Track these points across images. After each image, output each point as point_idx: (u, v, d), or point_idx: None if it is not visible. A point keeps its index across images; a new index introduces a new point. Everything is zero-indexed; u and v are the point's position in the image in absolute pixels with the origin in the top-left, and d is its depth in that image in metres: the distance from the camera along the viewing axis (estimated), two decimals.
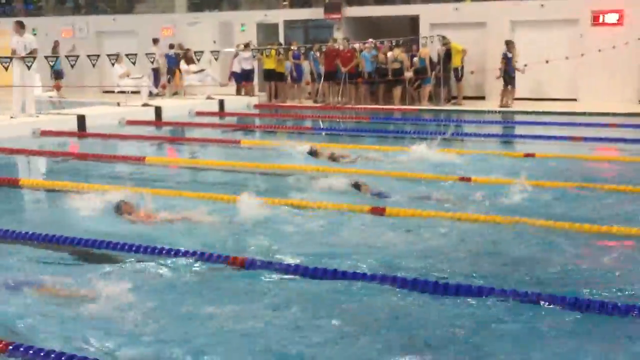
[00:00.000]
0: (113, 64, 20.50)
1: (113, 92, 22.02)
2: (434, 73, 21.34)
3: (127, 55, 19.04)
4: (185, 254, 6.96)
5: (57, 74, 24.33)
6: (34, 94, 17.33)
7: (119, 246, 7.29)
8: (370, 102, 22.22)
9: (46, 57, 17.85)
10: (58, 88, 21.78)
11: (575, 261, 6.91)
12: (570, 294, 5.84)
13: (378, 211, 8.60)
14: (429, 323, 5.45)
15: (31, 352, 4.85)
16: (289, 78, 23.54)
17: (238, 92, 23.68)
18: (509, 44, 20.15)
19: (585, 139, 14.31)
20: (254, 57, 23.34)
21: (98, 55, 19.21)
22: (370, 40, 22.42)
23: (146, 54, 19.91)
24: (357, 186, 9.65)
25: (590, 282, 6.26)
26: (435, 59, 21.45)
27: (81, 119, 17.33)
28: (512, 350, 4.97)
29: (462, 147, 14.14)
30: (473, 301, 5.81)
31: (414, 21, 23.99)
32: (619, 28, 20.74)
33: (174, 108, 20.39)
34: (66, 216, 8.58)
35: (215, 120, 19.64)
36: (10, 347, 4.92)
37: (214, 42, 25.45)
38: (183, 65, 22.70)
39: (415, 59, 21.52)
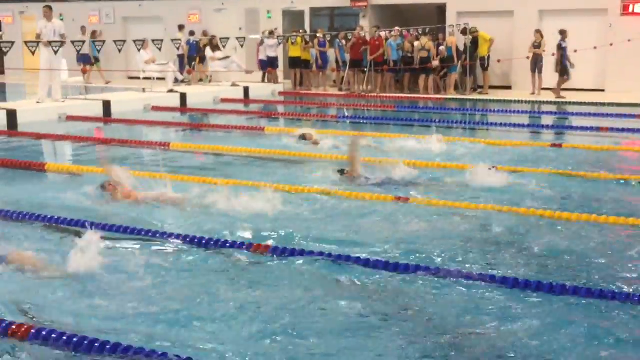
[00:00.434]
0: (139, 50, 20.58)
1: (138, 78, 22.10)
2: (460, 62, 21.19)
3: (153, 41, 19.12)
4: (209, 241, 6.99)
5: (94, 60, 24.52)
6: (60, 79, 17.42)
7: (144, 232, 7.33)
8: (395, 90, 22.12)
9: (73, 43, 17.94)
10: (84, 72, 21.88)
11: (601, 252, 6.83)
12: (595, 285, 5.79)
13: (402, 200, 8.57)
14: (452, 310, 5.41)
15: (53, 336, 4.87)
16: (314, 66, 23.50)
17: (263, 80, 23.70)
18: (564, 33, 19.75)
19: (612, 130, 14.16)
20: (279, 44, 23.31)
21: (124, 41, 19.30)
22: (397, 28, 22.29)
23: (172, 40, 19.98)
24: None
25: (614, 274, 6.19)
26: (461, 48, 21.29)
27: (107, 105, 17.42)
28: (537, 340, 4.91)
29: (488, 137, 14.04)
30: (496, 290, 5.77)
31: (440, 9, 23.82)
32: None
33: (199, 95, 20.43)
34: (91, 200, 8.63)
35: (240, 107, 19.64)
36: (32, 331, 4.94)
37: (240, 29, 25.44)
38: (208, 52, 22.70)
39: (442, 48, 21.36)
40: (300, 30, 24.12)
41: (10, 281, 6.02)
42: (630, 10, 20.70)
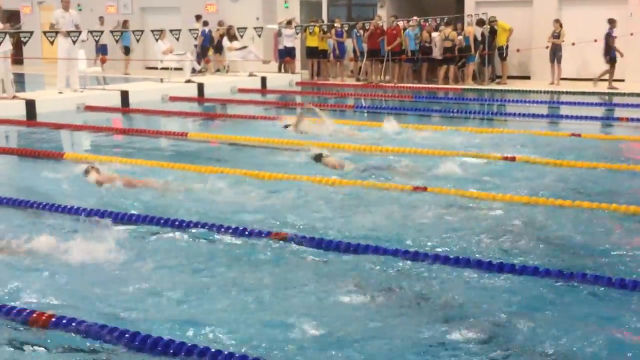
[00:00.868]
0: (157, 40, 20.61)
1: (156, 68, 22.13)
2: (477, 52, 21.06)
3: (170, 31, 19.13)
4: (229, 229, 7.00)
5: (126, 50, 24.62)
6: (77, 69, 17.47)
7: (161, 221, 7.35)
8: (412, 80, 22.03)
9: (91, 32, 17.99)
10: (103, 61, 21.96)
11: (620, 242, 6.78)
12: (614, 274, 5.75)
13: (419, 190, 8.53)
14: (471, 300, 5.39)
15: (73, 324, 4.89)
16: (331, 56, 23.45)
17: (280, 70, 23.68)
18: (612, 22, 19.43)
19: (631, 120, 14.04)
20: (296, 34, 23.27)
21: (142, 31, 19.32)
22: (415, 18, 22.18)
23: (190, 30, 19.98)
24: (318, 158, 9.82)
25: (633, 263, 6.14)
26: (479, 38, 21.15)
27: (125, 95, 17.47)
28: (557, 331, 4.88)
29: (507, 126, 13.96)
30: (516, 280, 5.75)
31: None
32: None
33: (216, 85, 20.45)
34: (107, 189, 8.66)
35: (257, 97, 19.64)
36: (53, 320, 4.96)
37: (257, 18, 25.40)
38: (226, 42, 22.71)
39: (460, 37, 21.23)
40: (318, 20, 24.06)
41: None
42: None
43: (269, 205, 8.00)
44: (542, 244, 6.72)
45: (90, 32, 18.01)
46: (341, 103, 18.61)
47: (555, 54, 20.27)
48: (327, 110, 16.81)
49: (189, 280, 5.83)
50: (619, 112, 14.89)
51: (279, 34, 23.39)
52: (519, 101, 17.55)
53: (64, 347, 4.73)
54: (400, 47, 21.94)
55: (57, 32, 16.29)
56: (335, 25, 23.21)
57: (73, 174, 9.26)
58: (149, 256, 6.33)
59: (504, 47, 21.16)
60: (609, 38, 19.33)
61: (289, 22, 23.35)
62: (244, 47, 22.31)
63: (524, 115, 15.43)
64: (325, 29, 23.22)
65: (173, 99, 18.22)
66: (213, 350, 4.50)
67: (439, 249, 6.48)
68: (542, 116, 15.61)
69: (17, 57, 21.46)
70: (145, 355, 4.57)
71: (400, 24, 22.30)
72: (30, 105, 15.52)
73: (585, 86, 19.51)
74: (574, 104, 16.94)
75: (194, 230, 7.04)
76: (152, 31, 20.27)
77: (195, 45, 23.32)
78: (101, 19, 25.82)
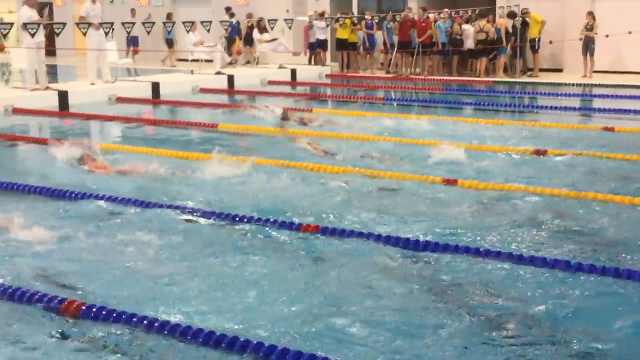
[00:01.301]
0: (188, 32, 20.70)
1: (187, 60, 22.21)
2: (509, 44, 20.87)
3: (201, 22, 19.19)
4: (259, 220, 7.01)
5: (169, 43, 24.78)
6: (107, 61, 17.59)
7: (184, 209, 7.39)
8: (443, 73, 21.91)
9: (123, 24, 18.11)
10: (136, 52, 22.10)
11: None
12: None
13: (450, 183, 8.49)
14: (501, 293, 5.35)
15: (104, 312, 4.92)
16: (361, 48, 23.39)
17: (310, 62, 23.66)
18: None
19: None
20: (327, 26, 23.23)
21: (173, 23, 19.41)
22: (446, 10, 22.04)
23: (220, 22, 20.02)
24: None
25: None
26: (510, 30, 20.94)
27: (155, 87, 17.56)
28: (592, 325, 4.83)
29: (538, 119, 13.84)
30: (548, 272, 5.70)
31: None
32: None
33: (246, 77, 20.50)
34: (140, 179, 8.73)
35: (287, 89, 19.64)
36: (83, 308, 5.00)
37: (287, 10, 25.39)
38: (256, 34, 22.73)
39: (491, 29, 21.05)
40: (348, 12, 24.00)
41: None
42: None
43: (297, 196, 8.01)
44: (574, 237, 6.66)
45: (123, 24, 18.12)
46: (371, 95, 18.55)
47: (588, 46, 20.04)
48: (357, 102, 16.87)
49: (228, 270, 5.85)
50: None
51: (309, 26, 23.37)
52: (551, 94, 17.37)
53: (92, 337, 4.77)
54: (430, 39, 21.82)
55: (89, 24, 16.42)
56: (366, 17, 23.15)
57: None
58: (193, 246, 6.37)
59: (536, 39, 20.94)
60: None
61: (322, 15, 23.32)
62: (274, 39, 22.32)
63: (555, 108, 15.29)
64: (356, 21, 23.17)
65: (203, 90, 18.29)
66: (241, 339, 4.51)
67: (469, 242, 6.43)
68: (574, 109, 15.44)
69: (50, 49, 21.63)
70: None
71: (431, 16, 22.17)
72: (63, 96, 15.67)
73: (618, 79, 19.26)
74: (607, 97, 16.74)
75: (249, 224, 7.04)
76: (183, 23, 20.35)
77: (226, 37, 23.38)
78: (132, 11, 25.99)
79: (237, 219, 7.07)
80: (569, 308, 5.10)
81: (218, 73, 20.10)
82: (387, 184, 8.59)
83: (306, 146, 10.46)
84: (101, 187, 8.28)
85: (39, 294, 5.18)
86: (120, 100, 16.45)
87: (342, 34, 23.17)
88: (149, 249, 6.23)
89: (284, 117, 13.06)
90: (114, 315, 4.88)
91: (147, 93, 17.31)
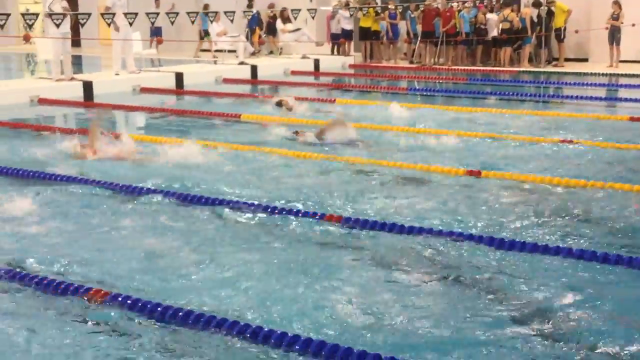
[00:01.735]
0: (211, 22, 20.73)
1: (209, 50, 22.22)
2: (534, 34, 20.69)
3: (225, 13, 19.20)
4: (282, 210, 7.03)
5: (204, 33, 24.79)
6: (132, 51, 17.67)
7: (206, 200, 7.41)
8: (467, 63, 21.78)
9: (147, 14, 18.16)
10: (160, 43, 22.14)
11: None
12: None
13: (474, 174, 8.45)
14: (526, 283, 5.32)
15: (129, 302, 4.95)
16: (384, 38, 23.31)
17: (333, 52, 23.61)
18: None
19: None
20: (351, 16, 23.17)
21: (197, 13, 19.42)
22: None
23: (243, 12, 20.02)
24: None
25: None
26: (535, 19, 20.75)
27: (179, 77, 17.61)
28: (619, 315, 4.80)
29: (564, 109, 13.73)
30: (574, 263, 5.67)
31: None
32: None
33: (269, 67, 20.51)
34: (164, 169, 8.77)
35: (310, 79, 19.63)
36: (109, 297, 5.04)
37: (310, 0, 25.33)
38: (279, 24, 22.72)
39: (516, 19, 20.89)
40: (371, 2, 23.91)
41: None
42: None
43: (321, 186, 8.02)
44: (599, 228, 6.60)
45: (147, 14, 18.18)
46: (394, 85, 18.48)
47: (614, 35, 19.81)
48: (379, 92, 16.82)
49: (253, 258, 5.87)
50: None
51: (332, 16, 23.32)
52: (576, 84, 17.22)
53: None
54: (454, 28, 21.69)
55: (114, 15, 16.49)
56: (389, 6, 23.05)
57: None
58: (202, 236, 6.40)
59: (562, 28, 20.75)
60: None
61: (347, 4, 23.26)
62: (297, 29, 22.30)
63: (581, 98, 15.16)
64: (379, 11, 23.08)
65: (227, 80, 18.33)
66: (265, 329, 4.52)
67: (494, 232, 6.40)
68: (600, 99, 15.30)
69: (75, 39, 21.73)
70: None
71: (455, 5, 22.03)
72: (88, 86, 15.76)
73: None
74: (633, 86, 16.57)
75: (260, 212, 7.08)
76: (207, 13, 20.38)
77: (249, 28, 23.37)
78: (157, 1, 26.03)
79: (266, 209, 7.08)
80: (595, 300, 5.05)
81: (241, 63, 20.13)
82: (409, 173, 8.56)
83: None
84: (120, 175, 8.36)
85: (65, 283, 5.24)
86: (145, 90, 16.52)
87: (366, 22, 23.10)
88: (176, 238, 6.26)
89: (278, 104, 13.51)
90: (139, 304, 4.91)
91: (171, 83, 17.37)
